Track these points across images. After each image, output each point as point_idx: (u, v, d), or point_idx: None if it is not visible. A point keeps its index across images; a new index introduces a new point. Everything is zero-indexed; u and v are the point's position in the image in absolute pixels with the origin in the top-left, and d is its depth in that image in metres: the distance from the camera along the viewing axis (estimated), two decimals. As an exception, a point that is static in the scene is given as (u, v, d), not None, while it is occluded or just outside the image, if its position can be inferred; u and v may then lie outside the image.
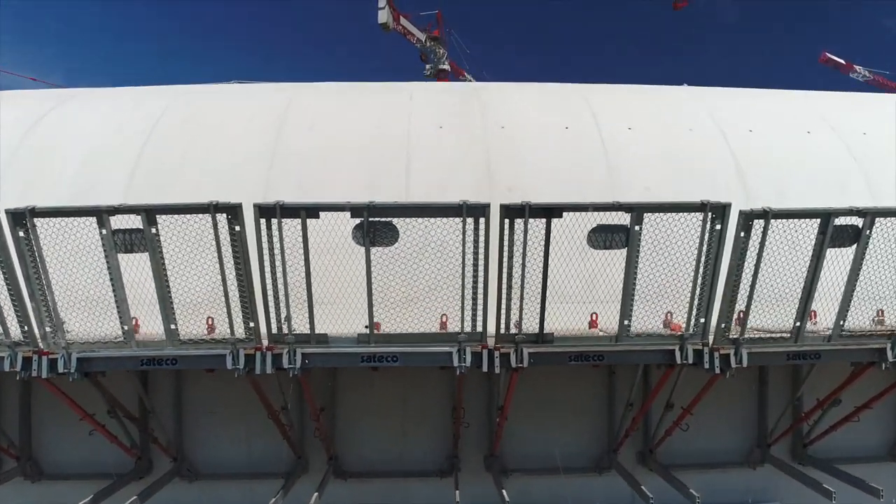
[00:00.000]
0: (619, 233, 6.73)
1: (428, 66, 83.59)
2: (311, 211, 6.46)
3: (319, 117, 11.37)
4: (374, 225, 6.53)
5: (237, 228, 6.48)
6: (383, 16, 71.57)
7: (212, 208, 6.39)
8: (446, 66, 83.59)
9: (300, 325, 7.02)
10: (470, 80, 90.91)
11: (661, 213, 6.76)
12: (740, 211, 6.69)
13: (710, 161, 11.14)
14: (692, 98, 12.63)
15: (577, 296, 7.85)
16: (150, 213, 6.45)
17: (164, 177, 10.54)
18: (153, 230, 6.52)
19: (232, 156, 10.70)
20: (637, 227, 6.63)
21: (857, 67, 72.94)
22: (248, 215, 6.57)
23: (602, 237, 6.78)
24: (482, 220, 6.46)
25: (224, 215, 6.47)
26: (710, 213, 6.71)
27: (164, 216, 6.54)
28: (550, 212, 6.52)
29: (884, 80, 74.04)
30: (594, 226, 6.78)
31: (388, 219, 6.58)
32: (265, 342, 6.94)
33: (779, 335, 7.17)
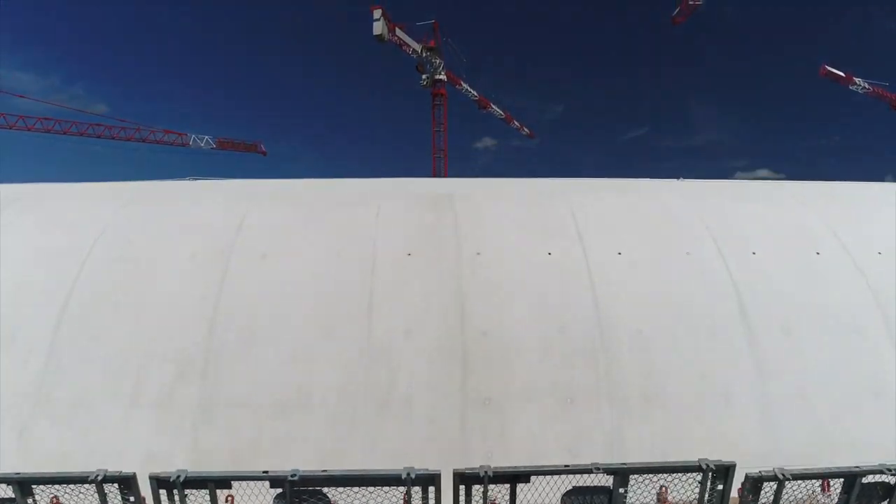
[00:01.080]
0: (601, 494, 5.48)
1: (424, 77, 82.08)
2: (222, 483, 5.21)
3: (273, 243, 10.08)
4: (301, 494, 5.28)
5: (132, 500, 5.23)
6: (378, 27, 69.92)
7: (97, 482, 5.14)
8: (443, 77, 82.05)
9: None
10: (466, 90, 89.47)
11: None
12: (746, 475, 5.42)
13: (710, 294, 9.87)
14: (688, 204, 11.31)
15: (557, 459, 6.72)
16: (23, 485, 5.21)
17: (95, 321, 9.28)
18: (29, 501, 5.28)
19: (171, 298, 9.43)
20: (622, 490, 5.39)
21: (857, 80, 71.67)
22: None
23: (580, 500, 5.53)
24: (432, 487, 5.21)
25: (116, 485, 5.23)
26: (710, 474, 5.44)
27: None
28: (516, 477, 5.27)
29: (883, 92, 72.73)
30: (569, 488, 5.52)
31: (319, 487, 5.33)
32: None
33: None
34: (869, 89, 71.78)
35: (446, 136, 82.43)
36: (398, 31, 73.01)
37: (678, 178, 13.17)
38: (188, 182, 12.69)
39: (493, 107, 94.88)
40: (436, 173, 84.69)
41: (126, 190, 12.11)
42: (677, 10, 58.93)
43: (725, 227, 10.78)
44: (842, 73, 72.01)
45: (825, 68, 71.51)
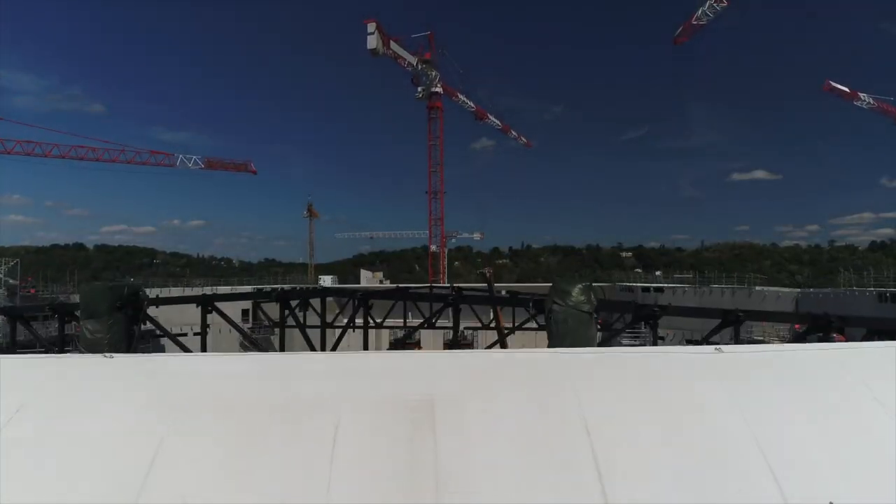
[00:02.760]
0: None
1: (420, 89, 79.47)
2: None
3: (190, 496, 7.42)
4: None
5: None
6: (373, 41, 67.07)
7: None
8: (439, 89, 79.38)
9: None
10: (463, 101, 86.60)
11: None
12: None
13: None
14: (735, 414, 8.63)
15: None
16: None
17: None
18: None
19: None
20: None
21: (862, 95, 69.30)
22: None
23: None
24: None
25: None
26: None
27: None
28: None
29: (888, 107, 70.32)
30: None
31: None
32: None
33: None
34: (874, 105, 69.48)
35: (442, 150, 79.85)
36: (393, 45, 70.18)
37: (709, 345, 10.49)
38: (106, 362, 9.96)
39: (491, 117, 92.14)
40: (431, 188, 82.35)
41: (29, 376, 9.37)
42: (680, 29, 56.00)
43: (787, 455, 8.12)
44: (846, 89, 69.65)
45: (829, 84, 69.15)
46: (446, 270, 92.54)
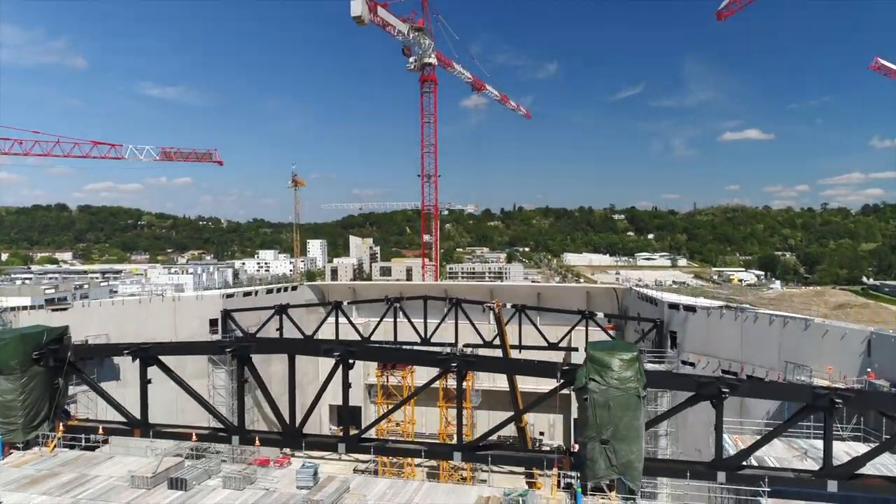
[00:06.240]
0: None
1: (412, 59, 68.11)
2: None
3: None
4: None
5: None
6: (357, 7, 55.40)
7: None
8: (432, 59, 68.05)
9: None
10: (460, 72, 75.52)
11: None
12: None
13: None
14: None
15: None
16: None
17: None
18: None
19: None
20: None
21: (910, 74, 59.33)
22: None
23: None
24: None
25: None
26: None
27: None
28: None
29: (933, 86, 60.96)
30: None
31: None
32: None
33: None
34: (917, 85, 59.85)
35: (436, 128, 69.23)
36: (381, 11, 58.48)
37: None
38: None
39: (489, 87, 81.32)
40: (424, 171, 71.98)
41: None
42: (725, 3, 45.16)
43: None
44: (895, 67, 59.58)
45: (878, 61, 58.96)
46: (439, 244, 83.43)
